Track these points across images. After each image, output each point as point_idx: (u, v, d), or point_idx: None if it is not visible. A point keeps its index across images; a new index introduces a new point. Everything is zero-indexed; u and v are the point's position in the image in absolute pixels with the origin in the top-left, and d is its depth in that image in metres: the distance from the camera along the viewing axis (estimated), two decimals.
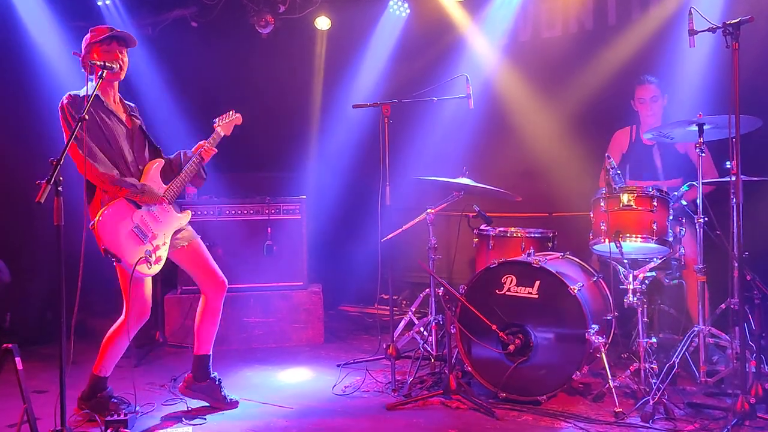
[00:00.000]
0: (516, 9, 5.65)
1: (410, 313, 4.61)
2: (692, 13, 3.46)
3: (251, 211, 5.24)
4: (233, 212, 5.22)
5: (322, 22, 6.16)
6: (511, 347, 3.60)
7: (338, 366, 4.45)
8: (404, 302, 5.99)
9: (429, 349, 4.24)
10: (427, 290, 4.38)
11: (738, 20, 3.19)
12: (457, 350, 3.85)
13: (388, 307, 4.09)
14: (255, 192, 5.36)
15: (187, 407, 3.65)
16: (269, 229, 5.20)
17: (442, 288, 4.08)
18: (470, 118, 5.23)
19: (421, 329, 4.37)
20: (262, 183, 5.66)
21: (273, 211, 5.24)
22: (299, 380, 4.25)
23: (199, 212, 5.15)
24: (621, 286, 3.74)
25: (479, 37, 5.82)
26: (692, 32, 3.46)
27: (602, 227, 3.71)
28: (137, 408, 3.54)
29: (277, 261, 5.19)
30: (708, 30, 3.40)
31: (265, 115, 6.34)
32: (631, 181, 4.56)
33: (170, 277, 5.13)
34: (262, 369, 4.49)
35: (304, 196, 5.34)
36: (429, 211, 4.26)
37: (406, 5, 5.94)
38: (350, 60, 6.26)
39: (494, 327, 3.63)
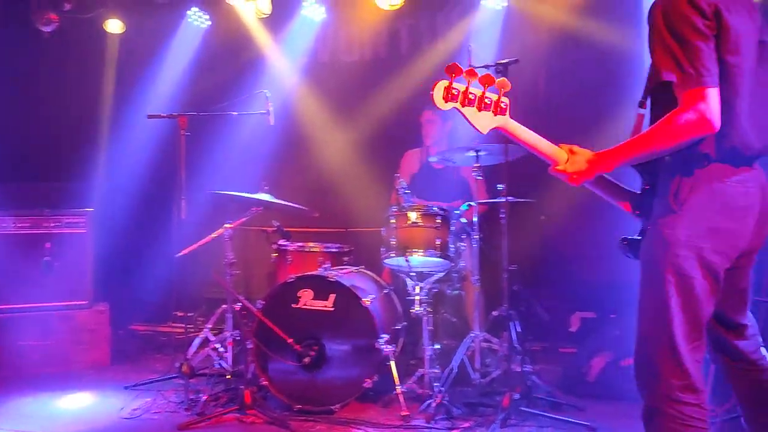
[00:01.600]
0: (316, 31, 5.81)
1: (206, 329, 4.51)
2: (471, 51, 3.85)
3: (27, 225, 4.78)
4: (5, 226, 4.72)
5: (114, 25, 5.83)
6: (306, 359, 3.70)
7: (126, 388, 4.21)
8: (200, 319, 5.80)
9: (225, 365, 4.18)
10: (224, 306, 4.33)
11: (507, 61, 3.63)
12: (254, 365, 3.86)
13: (183, 325, 3.98)
14: (32, 203, 4.90)
15: None
16: (48, 244, 4.79)
17: (239, 303, 4.06)
18: (270, 135, 5.28)
19: (217, 346, 4.30)
20: (42, 194, 5.18)
21: (53, 225, 4.83)
22: (82, 406, 3.96)
23: None
24: (408, 297, 4.02)
25: (280, 55, 5.90)
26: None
27: (393, 242, 3.97)
28: None
29: (57, 279, 4.79)
30: (483, 67, 3.79)
31: (46, 120, 5.85)
32: (419, 200, 4.91)
33: None
34: (40, 396, 4.11)
35: (91, 209, 4.99)
36: (227, 226, 4.22)
37: (206, 16, 5.84)
38: (146, 67, 5.99)
39: (290, 340, 3.71)
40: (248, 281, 5.54)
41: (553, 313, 5.03)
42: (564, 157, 2.13)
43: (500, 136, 2.17)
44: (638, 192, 2.20)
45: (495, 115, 2.03)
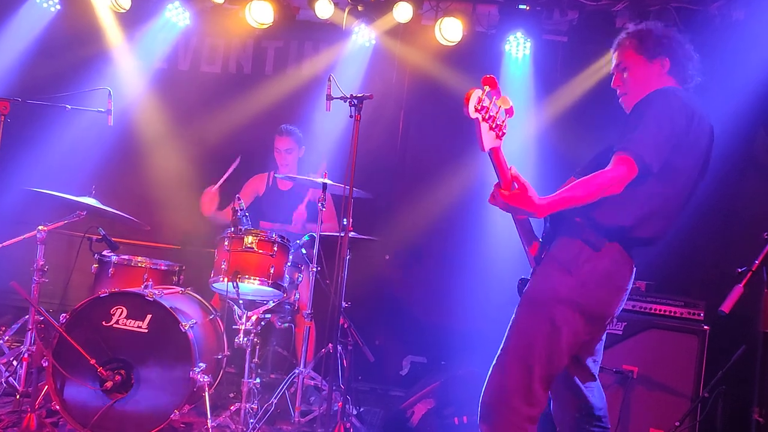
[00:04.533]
0: (177, 36, 5.53)
1: (1, 340, 4.01)
2: (331, 80, 3.78)
3: None
4: None
5: None
6: (109, 384, 3.34)
7: None
8: (1, 328, 5.20)
9: (15, 383, 3.71)
10: (27, 316, 3.87)
11: (361, 95, 3.59)
12: (48, 386, 3.44)
13: None
14: None
15: None
16: None
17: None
18: (108, 135, 4.85)
19: (11, 360, 3.82)
20: None
21: None
22: None
23: None
24: (234, 326, 3.78)
25: (132, 55, 5.52)
26: (329, 97, 3.77)
27: (223, 266, 3.73)
28: None
29: None
30: (340, 98, 3.74)
31: None
32: (265, 223, 4.73)
33: None
34: None
35: None
36: (41, 228, 3.79)
37: (56, 0, 5.37)
38: None
39: (93, 361, 3.34)
40: (65, 292, 5.03)
41: (387, 354, 5.00)
42: (510, 188, 2.19)
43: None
44: (540, 239, 2.45)
45: (496, 138, 2.09)
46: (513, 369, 2.27)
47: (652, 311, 3.83)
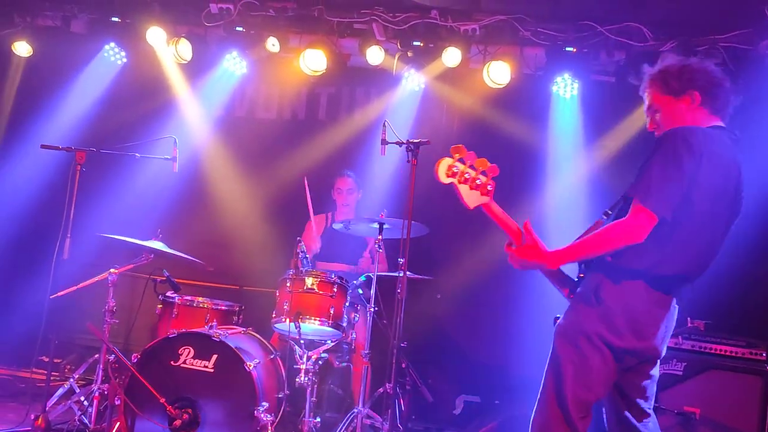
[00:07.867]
0: (235, 84, 5.77)
1: (72, 379, 4.18)
2: (386, 126, 3.92)
3: None
4: None
5: (22, 48, 5.57)
6: (177, 422, 3.46)
7: None
8: (68, 367, 5.39)
9: (87, 421, 3.86)
10: (96, 356, 4.03)
11: (419, 141, 3.71)
12: (120, 424, 3.58)
13: (45, 371, 3.66)
14: None
15: None
16: None
17: (113, 355, 3.79)
18: (173, 181, 5.06)
19: (82, 399, 3.98)
20: None
21: None
22: None
23: None
24: (295, 366, 3.87)
25: (194, 103, 5.79)
26: (384, 142, 3.91)
27: (285, 307, 3.86)
28: None
29: None
30: (396, 143, 3.88)
31: None
32: (322, 263, 4.86)
33: None
34: None
35: None
36: (112, 271, 3.98)
37: (123, 53, 5.68)
38: (49, 95, 5.71)
39: (162, 400, 3.47)
40: (129, 332, 5.22)
41: (439, 394, 5.01)
42: (521, 240, 2.37)
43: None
44: (575, 279, 2.48)
45: (482, 195, 2.31)
46: (550, 401, 2.33)
47: (713, 351, 3.78)
